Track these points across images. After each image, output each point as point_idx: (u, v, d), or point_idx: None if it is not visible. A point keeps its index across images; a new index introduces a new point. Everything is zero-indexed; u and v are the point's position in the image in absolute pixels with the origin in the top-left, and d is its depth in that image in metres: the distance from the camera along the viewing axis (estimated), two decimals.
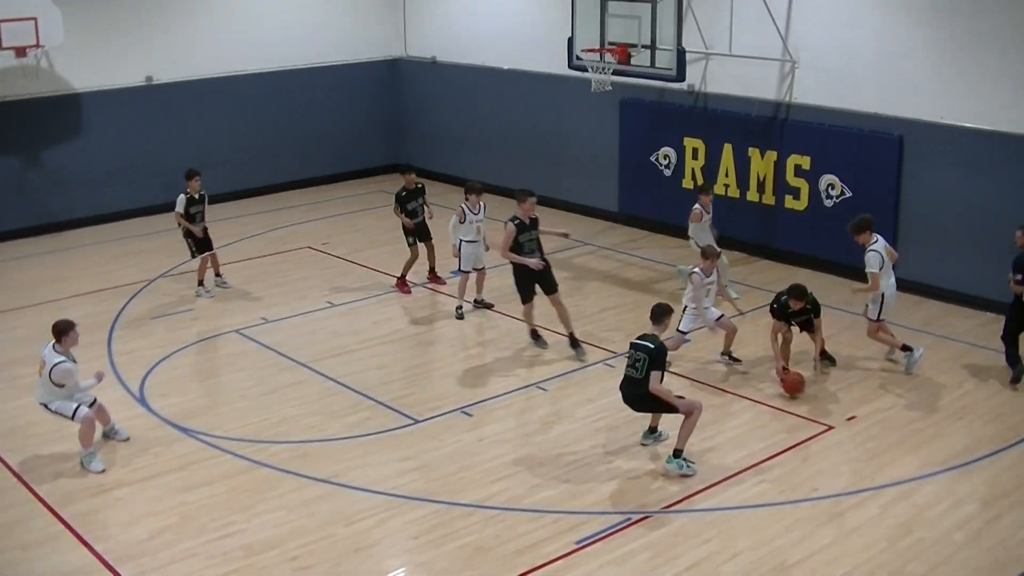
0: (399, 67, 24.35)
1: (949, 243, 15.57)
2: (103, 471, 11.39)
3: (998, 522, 10.19)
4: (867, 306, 13.66)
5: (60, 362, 11.31)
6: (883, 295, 13.34)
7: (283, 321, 15.71)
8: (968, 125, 15.29)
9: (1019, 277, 12.86)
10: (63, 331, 11.49)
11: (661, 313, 11.31)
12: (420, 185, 16.88)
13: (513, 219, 14.02)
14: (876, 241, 13.27)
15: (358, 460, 11.59)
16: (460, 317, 15.57)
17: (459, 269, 15.73)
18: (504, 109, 22.13)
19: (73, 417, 11.47)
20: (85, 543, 10.10)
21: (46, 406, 11.53)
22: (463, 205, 15.52)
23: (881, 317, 13.50)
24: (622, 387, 11.20)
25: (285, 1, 22.62)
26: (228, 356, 14.50)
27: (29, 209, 20.03)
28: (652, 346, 10.85)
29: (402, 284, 16.81)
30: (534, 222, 14.19)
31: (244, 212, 21.38)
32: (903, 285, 16.10)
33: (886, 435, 11.92)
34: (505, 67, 21.92)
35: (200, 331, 15.32)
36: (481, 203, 15.61)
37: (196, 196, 16.50)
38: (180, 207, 16.46)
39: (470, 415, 12.64)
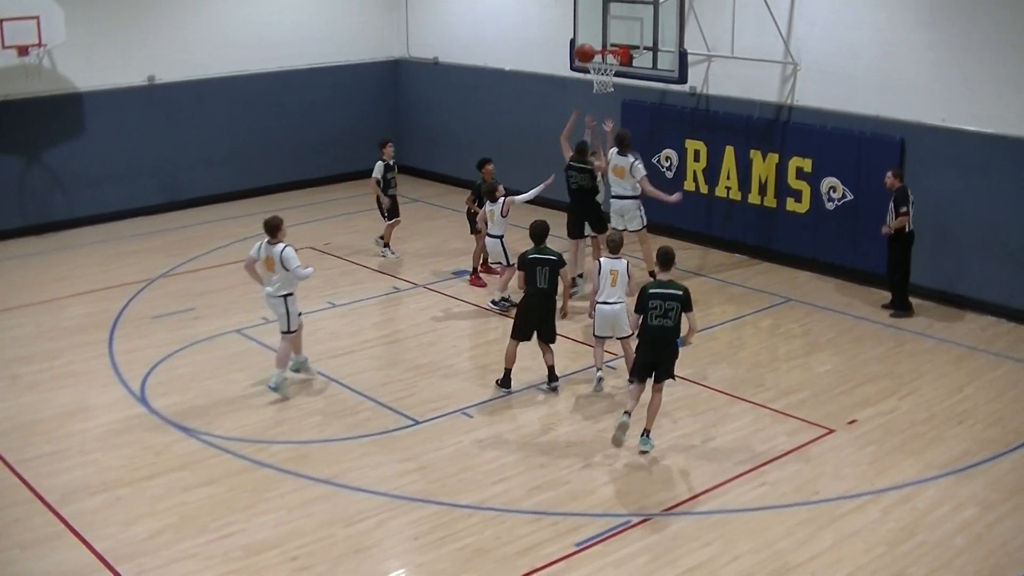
0: (400, 68, 24.35)
1: (951, 246, 15.55)
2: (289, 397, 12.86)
3: (999, 526, 10.19)
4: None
5: (286, 247, 12.54)
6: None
7: None
8: (970, 128, 15.27)
9: (903, 210, 14.79)
10: (276, 226, 12.62)
11: (671, 259, 11.61)
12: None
13: None
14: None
15: (358, 461, 11.58)
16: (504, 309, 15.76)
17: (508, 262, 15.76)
18: (506, 110, 22.11)
19: (291, 328, 12.85)
20: (85, 542, 10.09)
21: (285, 300, 12.71)
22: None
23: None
24: (647, 342, 11.46)
25: (287, 1, 22.61)
26: (229, 356, 14.48)
27: (30, 208, 20.01)
28: (680, 292, 11.33)
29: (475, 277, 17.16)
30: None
31: (245, 212, 21.29)
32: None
33: (887, 439, 11.91)
34: (507, 68, 21.92)
35: (201, 331, 15.29)
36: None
37: (390, 163, 17.72)
38: (378, 173, 17.70)
39: (470, 416, 12.63)
